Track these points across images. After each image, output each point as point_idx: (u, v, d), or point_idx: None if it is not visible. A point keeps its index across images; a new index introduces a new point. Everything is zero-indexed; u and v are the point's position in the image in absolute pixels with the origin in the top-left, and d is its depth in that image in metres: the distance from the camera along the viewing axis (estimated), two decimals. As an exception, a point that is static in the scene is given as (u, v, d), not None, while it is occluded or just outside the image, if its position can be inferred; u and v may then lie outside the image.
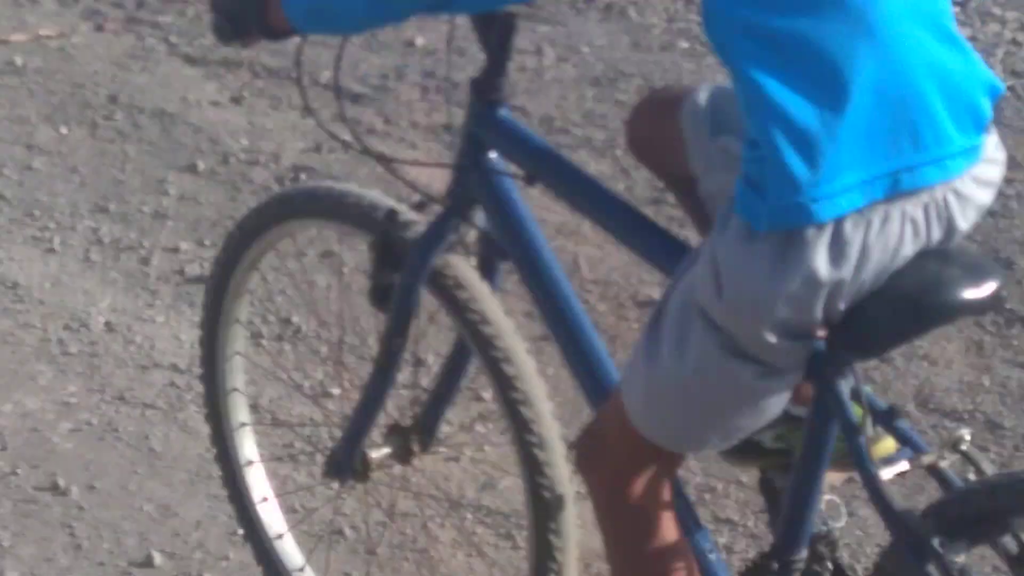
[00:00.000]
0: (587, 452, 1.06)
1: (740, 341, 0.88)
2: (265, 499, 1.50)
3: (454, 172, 1.22)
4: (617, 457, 1.02)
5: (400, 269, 1.23)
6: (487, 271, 1.25)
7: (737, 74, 0.86)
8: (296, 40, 1.15)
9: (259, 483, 1.51)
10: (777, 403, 0.94)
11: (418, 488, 1.50)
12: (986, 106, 0.91)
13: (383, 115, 2.64)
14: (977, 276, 0.92)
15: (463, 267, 1.23)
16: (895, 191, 0.86)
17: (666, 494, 1.02)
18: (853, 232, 0.85)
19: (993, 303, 0.99)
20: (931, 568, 0.89)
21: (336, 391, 1.82)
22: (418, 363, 1.40)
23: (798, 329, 0.88)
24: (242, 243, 1.40)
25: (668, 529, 1.03)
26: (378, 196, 1.33)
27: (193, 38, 3.16)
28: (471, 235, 1.25)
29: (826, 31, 0.84)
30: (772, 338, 0.86)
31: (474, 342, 1.22)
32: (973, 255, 1.01)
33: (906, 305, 0.92)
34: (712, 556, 1.09)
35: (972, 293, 0.91)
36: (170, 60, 3.16)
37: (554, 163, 1.19)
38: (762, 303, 0.86)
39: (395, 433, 1.32)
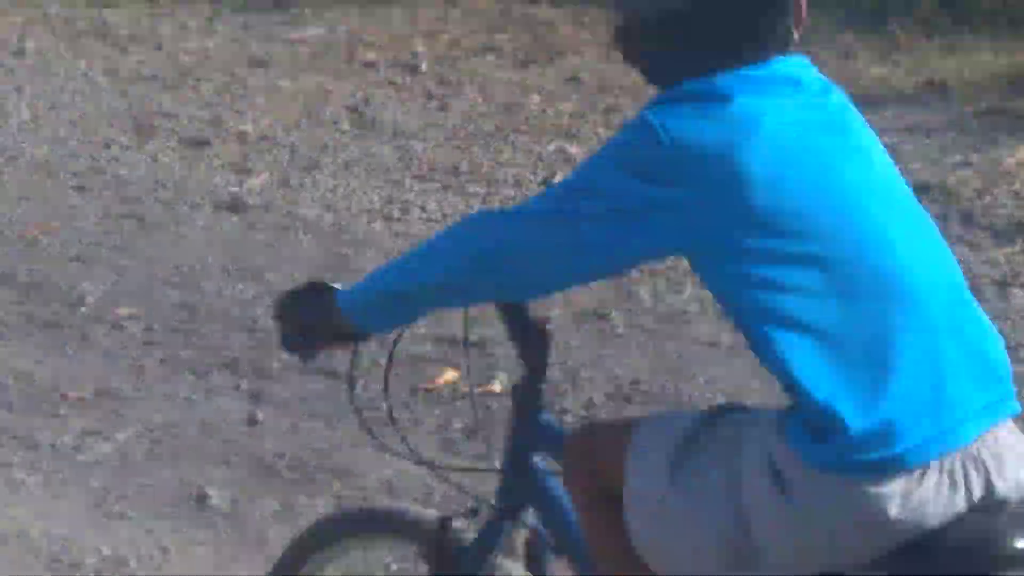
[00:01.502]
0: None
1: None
2: None
3: (502, 476, 1.28)
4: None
5: (457, 568, 1.26)
6: (538, 568, 1.28)
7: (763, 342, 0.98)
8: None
9: None
10: None
11: None
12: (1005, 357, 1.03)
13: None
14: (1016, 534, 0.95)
15: (517, 571, 1.27)
16: (962, 443, 0.95)
17: None
18: (915, 497, 0.93)
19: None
20: None
21: None
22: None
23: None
24: (296, 561, 1.44)
25: None
26: (421, 509, 1.40)
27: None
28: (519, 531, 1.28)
29: (866, 308, 0.96)
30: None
31: None
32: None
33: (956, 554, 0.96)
34: None
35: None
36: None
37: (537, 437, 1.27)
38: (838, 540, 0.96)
39: None
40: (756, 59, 1.01)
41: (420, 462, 1.41)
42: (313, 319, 1.18)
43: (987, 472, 0.96)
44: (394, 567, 1.73)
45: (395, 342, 1.31)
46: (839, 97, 1.07)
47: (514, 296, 1.17)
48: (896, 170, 1.09)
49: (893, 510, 0.93)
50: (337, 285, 1.19)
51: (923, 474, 0.93)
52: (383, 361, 1.38)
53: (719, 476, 1.00)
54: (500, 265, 1.05)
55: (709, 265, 1.01)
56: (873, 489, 0.92)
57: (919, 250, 1.01)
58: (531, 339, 1.24)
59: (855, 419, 0.92)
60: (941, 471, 0.94)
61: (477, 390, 1.50)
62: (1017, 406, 1.01)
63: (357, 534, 1.43)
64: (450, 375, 2.57)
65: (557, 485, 1.25)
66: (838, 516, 0.94)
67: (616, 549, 1.11)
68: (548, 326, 1.26)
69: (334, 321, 1.15)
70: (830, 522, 0.95)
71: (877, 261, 0.98)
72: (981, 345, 1.01)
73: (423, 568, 1.33)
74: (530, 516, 1.27)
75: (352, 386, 1.39)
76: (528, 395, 1.25)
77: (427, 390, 2.57)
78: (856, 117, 1.08)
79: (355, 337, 1.18)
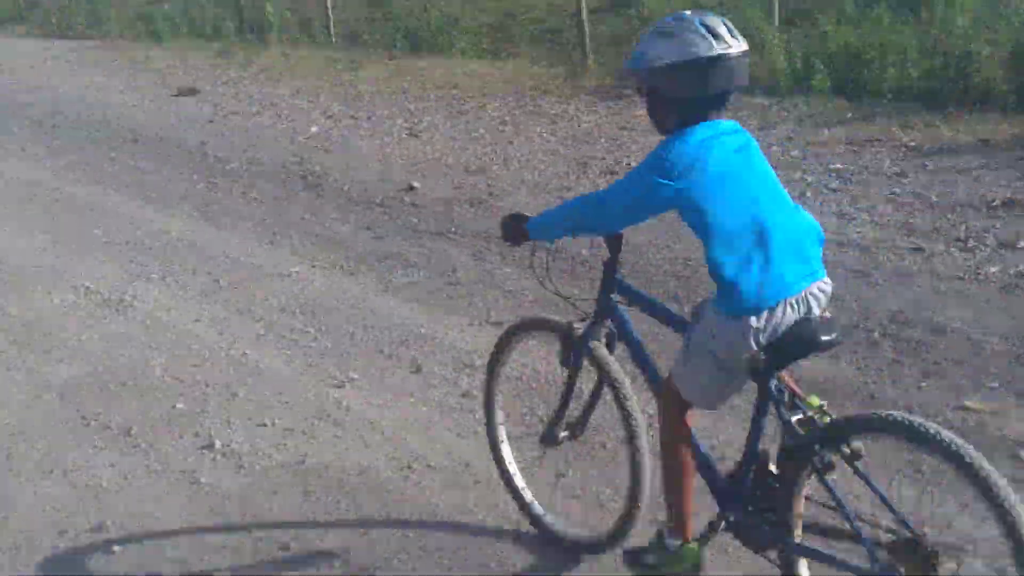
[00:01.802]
0: (661, 401, 2.40)
1: (722, 359, 2.20)
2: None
3: (598, 303, 2.62)
4: (671, 400, 2.34)
5: (574, 349, 2.65)
6: (610, 347, 2.65)
7: (713, 237, 2.16)
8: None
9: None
10: (738, 387, 2.26)
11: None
12: (818, 241, 2.25)
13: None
14: (828, 331, 2.16)
15: (601, 348, 2.62)
16: (791, 295, 2.15)
17: (686, 420, 2.35)
18: (772, 317, 2.13)
19: (834, 344, 2.18)
20: (817, 458, 2.10)
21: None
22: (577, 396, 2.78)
23: (745, 356, 2.14)
24: (501, 344, 2.89)
25: (687, 433, 2.36)
26: (560, 318, 2.77)
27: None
28: (603, 331, 2.64)
29: (758, 200, 2.17)
30: (734, 361, 2.18)
31: (608, 385, 2.59)
32: (826, 322, 2.19)
33: (794, 342, 2.13)
34: (704, 450, 2.44)
35: (826, 336, 2.15)
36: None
37: (638, 297, 2.59)
38: (731, 346, 2.17)
39: (568, 427, 2.75)
40: (705, 118, 2.21)
41: (557, 293, 2.75)
42: (515, 231, 2.56)
43: (809, 305, 2.19)
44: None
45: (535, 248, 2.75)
46: (746, 137, 2.26)
47: (602, 231, 2.48)
48: (770, 167, 2.25)
49: (768, 327, 2.13)
50: (527, 214, 2.55)
51: (782, 309, 2.14)
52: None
53: (699, 341, 2.26)
54: (597, 219, 2.35)
55: (687, 215, 2.23)
56: (760, 319, 2.14)
57: (775, 205, 2.21)
58: (612, 243, 2.55)
59: (744, 288, 2.14)
60: (787, 305, 2.15)
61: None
62: (821, 273, 2.22)
63: (530, 329, 2.86)
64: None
65: (623, 310, 2.59)
66: (739, 334, 2.16)
67: (671, 401, 2.36)
68: (621, 236, 2.55)
69: (524, 232, 2.53)
70: (739, 340, 2.15)
71: (756, 213, 2.17)
72: (804, 245, 2.22)
73: (558, 347, 2.72)
74: (608, 324, 2.62)
75: (532, 265, 2.77)
76: (609, 266, 2.57)
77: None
78: (753, 144, 2.25)
79: (533, 240, 2.55)
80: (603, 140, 6.97)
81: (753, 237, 2.16)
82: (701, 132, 2.19)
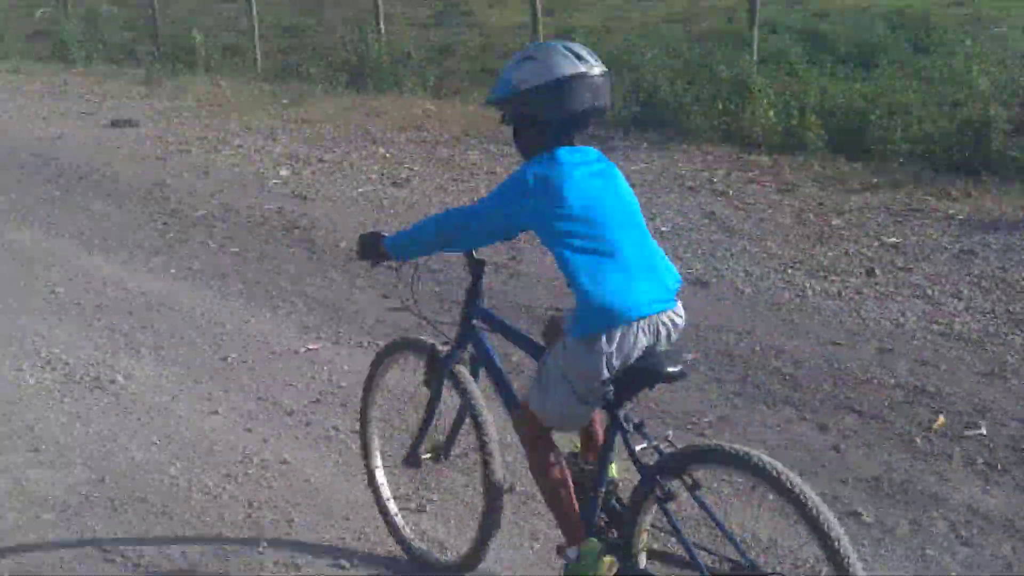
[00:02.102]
0: (519, 427, 2.50)
1: (576, 385, 2.25)
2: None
3: (460, 327, 2.73)
4: (531, 427, 2.42)
5: (437, 370, 2.76)
6: (473, 372, 2.75)
7: (566, 270, 2.26)
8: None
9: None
10: (590, 413, 2.35)
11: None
12: (674, 280, 2.33)
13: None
14: (674, 363, 2.23)
15: (463, 372, 2.73)
16: (642, 316, 2.21)
17: (549, 439, 2.43)
18: (625, 341, 2.19)
19: (680, 376, 2.28)
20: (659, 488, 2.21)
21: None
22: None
23: (597, 382, 2.22)
24: (377, 362, 3.03)
25: (552, 450, 2.44)
26: (427, 339, 2.86)
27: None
28: (466, 356, 2.75)
29: (613, 225, 2.27)
30: (588, 386, 2.23)
31: (469, 409, 2.71)
32: (672, 353, 2.31)
33: (640, 373, 2.25)
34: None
35: (672, 368, 2.22)
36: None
37: (497, 324, 2.68)
38: (584, 371, 2.23)
39: (433, 449, 2.89)
40: (565, 143, 2.36)
41: (423, 317, 2.92)
42: (371, 249, 2.63)
43: (659, 332, 2.27)
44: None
45: (416, 269, 2.82)
46: (608, 164, 2.39)
47: (462, 248, 2.59)
48: (632, 197, 2.39)
49: (620, 352, 2.23)
50: (385, 233, 2.63)
51: (632, 332, 2.22)
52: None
53: (552, 365, 2.38)
54: (457, 236, 2.43)
55: (543, 235, 2.32)
56: (610, 339, 2.21)
57: (633, 230, 2.32)
58: (474, 266, 2.67)
59: (597, 304, 2.21)
60: (639, 328, 2.23)
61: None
62: (674, 303, 2.32)
63: (398, 351, 2.98)
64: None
65: (484, 337, 2.70)
66: (593, 359, 2.23)
67: (530, 425, 2.47)
68: (483, 261, 2.69)
69: (381, 251, 2.60)
70: (590, 363, 2.23)
71: (612, 235, 2.26)
72: (659, 272, 2.31)
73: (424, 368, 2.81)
74: (470, 348, 2.73)
75: (398, 286, 3.03)
76: (471, 292, 2.69)
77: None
78: (615, 172, 2.40)
79: (391, 259, 2.62)
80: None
81: (608, 257, 2.26)
82: (563, 156, 2.34)
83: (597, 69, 2.31)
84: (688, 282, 4.62)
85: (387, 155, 8.08)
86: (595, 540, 2.41)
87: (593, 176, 2.35)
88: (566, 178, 2.30)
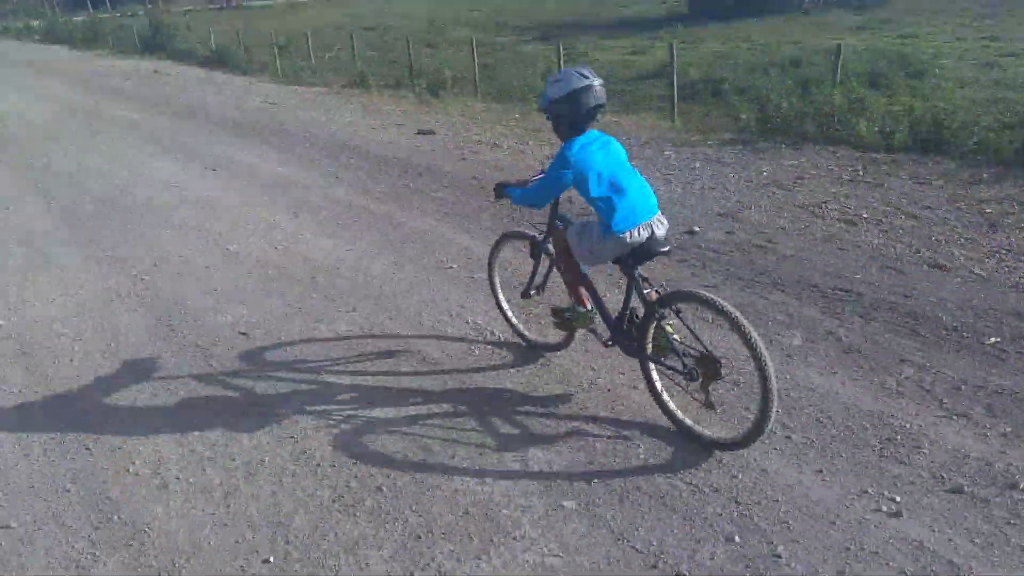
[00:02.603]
0: (559, 245, 4.53)
1: (598, 249, 4.20)
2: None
3: (548, 225, 4.75)
4: (564, 250, 4.49)
5: (536, 249, 4.87)
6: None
7: (594, 204, 4.17)
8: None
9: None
10: (607, 258, 4.28)
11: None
12: (653, 199, 4.23)
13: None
14: (661, 246, 4.15)
15: (550, 248, 4.79)
16: (638, 223, 4.08)
17: (579, 276, 4.57)
18: (628, 236, 4.06)
19: (666, 253, 4.11)
20: (657, 312, 4.11)
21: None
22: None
23: (614, 251, 4.13)
24: (495, 247, 5.24)
25: (580, 289, 4.64)
26: (529, 231, 5.01)
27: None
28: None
29: (616, 173, 4.09)
30: (600, 256, 4.22)
31: (555, 265, 4.76)
32: (663, 240, 4.19)
33: (642, 252, 4.09)
34: (603, 304, 4.60)
35: (662, 248, 4.14)
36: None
37: (566, 220, 4.62)
38: (614, 247, 4.12)
39: (536, 288, 4.98)
40: (583, 131, 4.19)
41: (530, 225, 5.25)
42: (498, 192, 4.70)
43: (653, 229, 4.18)
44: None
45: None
46: (607, 138, 4.22)
47: (543, 204, 4.37)
48: (622, 151, 4.18)
49: (628, 243, 4.02)
50: (511, 181, 4.64)
51: (635, 231, 4.13)
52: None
53: (587, 234, 4.32)
54: (539, 198, 4.33)
55: (579, 185, 4.17)
56: (622, 237, 4.12)
57: (626, 174, 4.14)
58: (555, 203, 4.65)
59: (614, 219, 4.07)
60: (640, 227, 4.14)
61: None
62: (656, 211, 4.18)
63: (513, 238, 5.14)
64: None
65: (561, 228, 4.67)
66: (612, 243, 4.14)
67: (567, 256, 4.56)
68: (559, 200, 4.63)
69: (507, 193, 4.60)
70: (610, 244, 4.15)
71: (615, 179, 4.12)
72: (646, 194, 4.17)
73: (529, 247, 4.97)
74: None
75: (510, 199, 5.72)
76: (554, 206, 4.67)
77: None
78: (612, 141, 4.16)
79: (513, 203, 4.58)
80: None
81: (616, 191, 4.08)
82: (582, 139, 4.06)
83: (597, 82, 3.92)
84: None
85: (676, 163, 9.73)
86: (592, 313, 4.53)
87: (600, 148, 4.02)
88: (585, 152, 3.97)
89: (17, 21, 56.05)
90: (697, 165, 9.36)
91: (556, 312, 4.84)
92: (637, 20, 31.34)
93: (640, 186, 4.12)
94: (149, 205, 9.17)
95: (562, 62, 14.23)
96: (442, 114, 14.01)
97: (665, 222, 4.19)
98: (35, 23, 50.64)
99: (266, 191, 9.50)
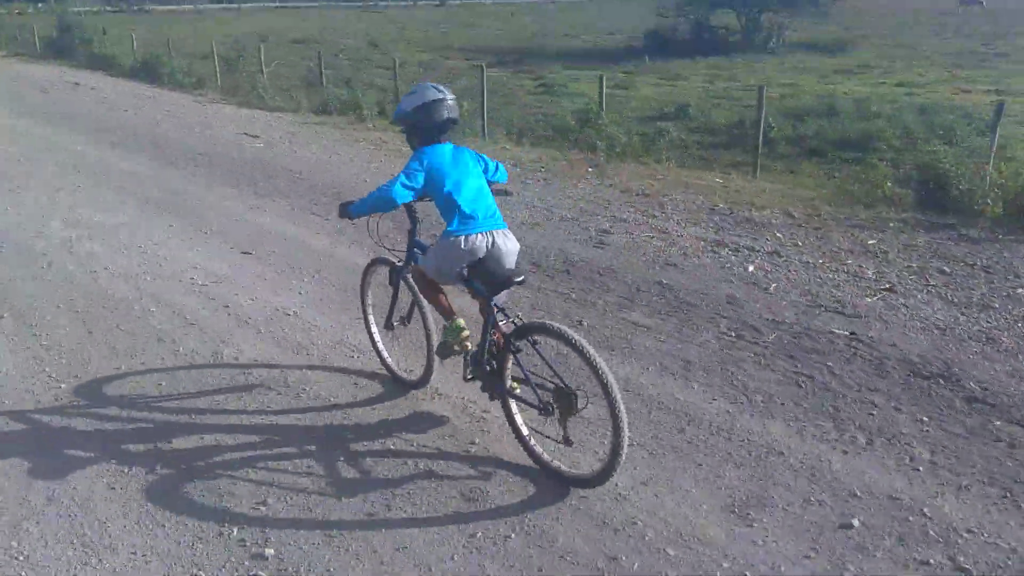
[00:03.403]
0: (415, 273, 4.45)
1: (443, 260, 4.14)
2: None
3: (407, 252, 4.59)
4: (418, 274, 4.39)
5: (395, 276, 4.71)
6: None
7: (440, 201, 4.11)
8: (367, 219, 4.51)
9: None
10: (455, 268, 4.12)
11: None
12: (497, 214, 4.17)
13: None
14: (516, 276, 3.96)
15: (409, 277, 4.59)
16: (479, 231, 4.06)
17: (433, 282, 4.36)
18: (469, 242, 4.04)
19: (520, 282, 3.98)
20: (512, 344, 3.94)
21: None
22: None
23: (459, 259, 4.08)
24: (366, 272, 5.00)
25: (442, 298, 4.40)
26: (390, 258, 4.79)
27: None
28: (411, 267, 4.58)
29: (463, 181, 4.12)
30: (448, 265, 4.13)
31: (415, 299, 4.59)
32: (516, 269, 4.10)
33: (496, 281, 3.98)
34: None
35: (517, 278, 3.94)
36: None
37: (422, 246, 4.46)
38: (451, 253, 4.08)
39: (400, 319, 4.85)
40: (436, 142, 4.17)
41: (383, 245, 4.85)
42: (343, 211, 4.37)
43: (495, 240, 4.07)
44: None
45: (376, 220, 4.68)
46: (463, 148, 4.21)
47: (388, 209, 4.19)
48: (475, 160, 4.22)
49: (467, 248, 4.02)
50: (352, 200, 4.38)
51: (475, 237, 4.03)
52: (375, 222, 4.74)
53: (434, 248, 4.21)
54: (383, 203, 4.13)
55: (430, 191, 4.11)
56: (458, 239, 4.02)
57: (473, 184, 4.12)
58: (411, 214, 4.52)
59: (454, 221, 4.03)
60: (480, 236, 4.04)
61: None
62: (503, 225, 4.13)
63: (378, 264, 4.91)
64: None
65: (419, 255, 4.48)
66: (454, 248, 4.05)
67: (423, 278, 4.39)
68: (416, 212, 4.52)
69: (349, 213, 4.33)
70: (453, 250, 4.05)
71: (458, 189, 4.06)
72: (489, 208, 4.12)
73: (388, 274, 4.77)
74: (412, 263, 4.54)
75: (368, 230, 4.87)
76: (411, 232, 4.54)
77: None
78: (465, 151, 4.23)
79: (354, 217, 4.35)
80: None
81: (463, 201, 4.04)
82: (432, 148, 4.14)
83: (449, 97, 4.07)
84: None
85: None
86: (459, 320, 4.29)
87: (451, 157, 4.11)
88: (433, 161, 4.06)
89: None
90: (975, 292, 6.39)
91: (441, 349, 4.47)
92: (595, 52, 31.03)
93: (485, 197, 4.16)
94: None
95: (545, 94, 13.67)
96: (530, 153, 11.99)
97: (513, 239, 4.15)
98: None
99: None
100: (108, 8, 59.98)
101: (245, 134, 13.87)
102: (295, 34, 36.46)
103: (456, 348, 4.33)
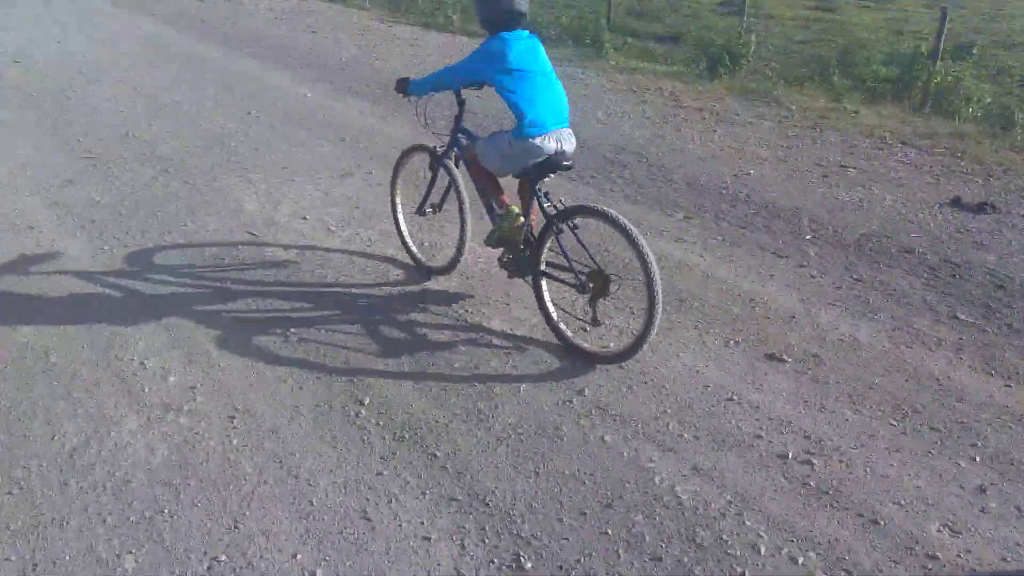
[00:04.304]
0: (468, 161, 4.60)
1: (507, 155, 4.24)
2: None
3: (451, 137, 4.77)
4: (478, 167, 4.53)
5: (435, 162, 4.83)
6: (457, 163, 4.80)
7: (509, 101, 4.13)
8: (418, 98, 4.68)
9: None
10: (517, 165, 4.26)
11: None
12: (566, 111, 4.29)
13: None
14: (567, 159, 4.22)
15: (450, 163, 4.78)
16: (550, 131, 4.14)
17: (485, 170, 4.49)
18: (539, 141, 4.12)
19: (568, 167, 4.20)
20: (554, 226, 4.16)
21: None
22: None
23: (524, 158, 4.17)
24: (398, 162, 5.12)
25: (499, 186, 4.56)
26: (430, 143, 4.96)
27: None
28: (453, 153, 4.80)
29: (535, 82, 4.15)
30: (514, 156, 4.22)
31: (453, 184, 4.74)
32: (567, 155, 4.24)
33: (549, 163, 4.16)
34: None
35: (566, 162, 4.20)
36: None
37: (469, 134, 4.66)
38: (525, 151, 4.16)
39: (432, 206, 5.01)
40: (513, 28, 4.19)
41: (428, 128, 5.08)
42: (402, 88, 4.62)
43: (562, 140, 4.22)
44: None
45: (426, 100, 4.79)
46: (537, 41, 4.24)
47: (451, 87, 4.45)
48: (546, 56, 4.23)
49: (537, 148, 4.09)
50: (412, 77, 4.61)
51: (546, 137, 4.16)
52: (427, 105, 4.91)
53: (496, 141, 4.33)
54: (449, 81, 4.37)
55: (497, 81, 4.16)
56: (532, 141, 4.15)
57: (547, 81, 4.19)
58: (459, 101, 4.66)
59: (526, 122, 4.10)
60: (550, 136, 4.17)
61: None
62: (567, 125, 4.23)
63: (415, 150, 5.01)
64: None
65: (461, 140, 4.71)
66: (521, 148, 4.17)
67: (479, 169, 4.54)
68: (464, 99, 4.65)
69: (407, 90, 4.58)
70: (520, 150, 4.18)
71: (534, 84, 4.14)
72: (560, 105, 4.23)
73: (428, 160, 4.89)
74: (455, 149, 4.75)
75: (415, 111, 5.12)
76: (457, 117, 4.70)
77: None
78: (538, 44, 4.21)
79: (412, 93, 4.58)
80: None
81: (536, 98, 4.10)
82: (505, 35, 4.10)
83: None
84: None
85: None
86: (514, 207, 4.32)
87: (524, 49, 4.06)
88: (506, 49, 4.01)
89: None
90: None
91: (490, 238, 4.54)
92: None
93: (557, 94, 4.19)
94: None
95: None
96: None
97: (573, 138, 4.25)
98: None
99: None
100: None
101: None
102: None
103: (508, 237, 4.41)
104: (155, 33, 13.57)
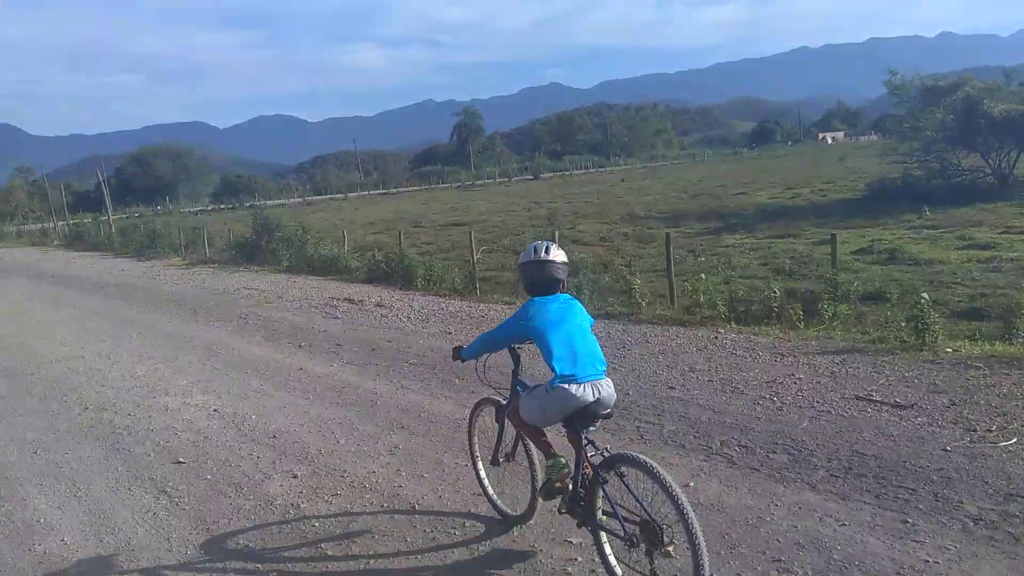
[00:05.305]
0: (513, 416, 4.74)
1: (548, 407, 4.38)
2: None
3: (511, 391, 4.94)
4: (516, 417, 4.68)
5: (500, 414, 5.07)
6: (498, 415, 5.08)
7: (546, 351, 4.36)
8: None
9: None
10: (552, 423, 4.47)
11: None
12: (602, 364, 4.42)
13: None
14: (604, 408, 4.34)
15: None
16: (585, 381, 4.28)
17: (527, 424, 4.61)
18: (575, 390, 4.25)
19: (607, 416, 4.35)
20: (600, 476, 4.20)
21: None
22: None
23: (563, 408, 4.32)
24: (473, 412, 5.42)
25: (544, 438, 4.64)
26: (495, 397, 5.20)
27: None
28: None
29: (570, 337, 4.39)
30: (554, 407, 4.36)
31: (520, 436, 4.93)
32: (605, 404, 4.30)
33: (587, 412, 4.27)
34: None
35: (604, 411, 4.33)
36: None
37: (525, 386, 4.81)
38: (559, 401, 4.32)
39: (505, 456, 5.19)
40: (547, 294, 4.54)
41: (489, 386, 5.22)
42: (455, 354, 4.98)
43: (599, 390, 4.37)
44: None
45: (484, 360, 5.07)
46: (573, 302, 4.55)
47: (499, 349, 4.80)
48: (584, 318, 4.50)
49: (572, 398, 4.23)
50: (463, 346, 4.96)
51: (581, 387, 4.31)
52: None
53: (536, 393, 4.50)
54: (494, 344, 4.71)
55: (536, 340, 4.47)
56: (567, 389, 4.30)
57: (582, 337, 4.42)
58: (515, 358, 4.94)
59: (561, 375, 4.24)
60: (586, 385, 4.33)
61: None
62: (603, 376, 4.38)
63: (485, 403, 5.31)
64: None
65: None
66: (559, 399, 4.30)
67: (518, 419, 4.71)
68: (520, 352, 4.95)
69: (461, 356, 4.94)
70: (558, 400, 4.35)
71: (571, 341, 4.39)
72: (595, 359, 4.39)
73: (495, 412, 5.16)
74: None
75: (476, 371, 5.23)
76: (515, 372, 4.93)
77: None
78: (575, 304, 4.53)
79: (465, 358, 4.93)
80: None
81: (569, 352, 4.34)
82: (543, 299, 4.47)
83: (556, 257, 4.43)
84: None
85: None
86: (560, 456, 4.41)
87: (559, 308, 4.40)
88: (544, 311, 4.37)
89: (17, 224, 56.52)
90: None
91: (545, 490, 4.59)
92: (804, 207, 29.68)
93: (592, 349, 4.41)
94: None
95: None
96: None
97: (611, 386, 4.39)
98: (37, 226, 50.18)
99: None
100: (222, 206, 65.35)
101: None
102: (449, 216, 36.66)
103: (558, 486, 4.47)
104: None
